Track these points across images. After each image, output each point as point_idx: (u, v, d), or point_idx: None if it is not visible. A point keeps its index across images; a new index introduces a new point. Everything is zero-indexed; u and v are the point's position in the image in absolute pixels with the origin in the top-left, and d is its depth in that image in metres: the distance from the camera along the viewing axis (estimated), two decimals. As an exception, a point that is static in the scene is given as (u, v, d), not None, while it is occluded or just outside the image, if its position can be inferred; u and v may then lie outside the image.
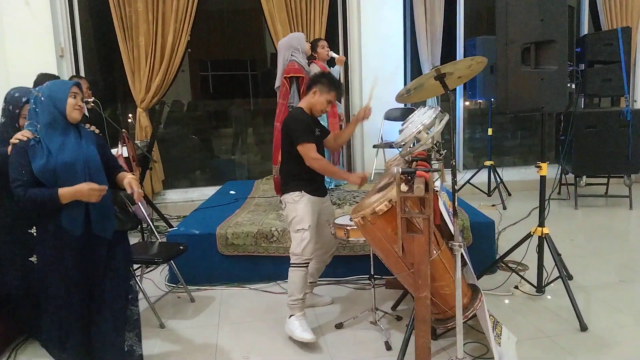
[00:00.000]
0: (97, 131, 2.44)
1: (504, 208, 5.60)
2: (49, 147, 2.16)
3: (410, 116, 2.73)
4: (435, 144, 2.37)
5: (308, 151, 2.78)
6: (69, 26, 5.62)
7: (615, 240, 4.55)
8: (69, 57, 5.63)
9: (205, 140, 8.50)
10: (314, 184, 2.92)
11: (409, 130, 2.35)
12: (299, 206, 2.86)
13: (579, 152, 5.36)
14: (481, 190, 6.16)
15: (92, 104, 3.95)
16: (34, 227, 2.59)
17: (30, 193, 2.11)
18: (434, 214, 1.98)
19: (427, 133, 2.24)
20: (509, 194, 6.18)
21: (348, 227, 2.74)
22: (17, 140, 2.17)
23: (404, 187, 2.04)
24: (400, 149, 2.58)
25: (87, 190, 2.13)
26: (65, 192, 2.13)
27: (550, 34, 2.83)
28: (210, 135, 8.73)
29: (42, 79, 3.84)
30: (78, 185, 2.13)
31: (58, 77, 3.99)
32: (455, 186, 2.13)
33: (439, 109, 2.35)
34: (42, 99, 2.21)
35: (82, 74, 5.71)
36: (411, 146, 2.46)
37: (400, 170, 2.10)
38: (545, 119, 3.12)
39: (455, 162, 2.11)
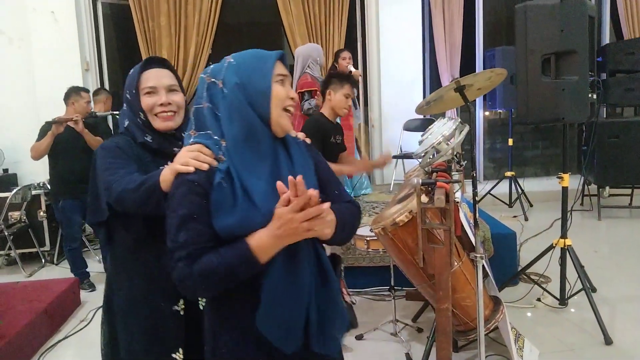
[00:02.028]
0: (308, 140, 1.42)
1: (526, 219, 5.54)
2: (247, 188, 1.14)
3: (429, 127, 2.73)
4: (456, 155, 2.37)
5: None
6: (94, 41, 5.77)
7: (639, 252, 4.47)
8: (94, 71, 5.78)
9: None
10: None
11: (429, 142, 2.35)
12: None
13: (602, 163, 5.29)
14: (502, 201, 6.11)
15: (118, 116, 4.04)
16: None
17: (201, 267, 1.10)
18: (455, 225, 1.98)
19: (447, 144, 2.25)
20: (531, 205, 6.12)
21: (368, 238, 2.75)
22: (191, 170, 1.17)
23: (424, 198, 2.04)
24: (420, 160, 2.58)
25: (294, 217, 1.07)
26: (264, 241, 1.10)
27: (570, 44, 2.82)
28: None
29: (70, 91, 3.94)
30: (276, 214, 1.09)
31: (88, 90, 4.09)
32: (476, 197, 2.13)
33: (459, 120, 2.35)
34: (225, 89, 1.19)
35: (107, 87, 5.84)
36: (431, 157, 2.47)
37: (420, 181, 2.12)
38: (567, 129, 3.10)
39: (475, 173, 2.11)
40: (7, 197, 4.50)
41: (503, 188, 6.12)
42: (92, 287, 4.06)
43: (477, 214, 2.11)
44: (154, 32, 5.72)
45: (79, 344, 3.18)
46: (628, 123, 5.26)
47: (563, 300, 3.23)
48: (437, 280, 2.02)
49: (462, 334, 2.29)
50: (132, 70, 1.63)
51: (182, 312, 1.55)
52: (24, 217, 4.63)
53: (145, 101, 1.56)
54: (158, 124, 1.56)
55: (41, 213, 4.73)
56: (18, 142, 5.13)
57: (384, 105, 6.05)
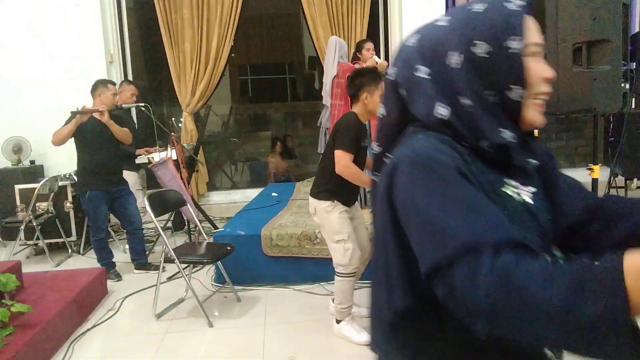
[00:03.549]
0: None
1: (550, 211, 5.46)
2: None
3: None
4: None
5: (342, 158, 2.69)
6: (118, 33, 5.82)
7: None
8: (118, 63, 5.83)
9: (244, 143, 8.65)
10: (347, 193, 2.87)
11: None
12: (332, 217, 2.81)
13: (631, 154, 5.17)
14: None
15: (142, 108, 4.09)
16: None
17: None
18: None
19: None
20: (555, 197, 6.03)
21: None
22: None
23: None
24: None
25: None
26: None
27: (602, 33, 2.75)
28: (249, 138, 8.87)
29: (97, 84, 3.98)
30: None
31: (114, 83, 4.12)
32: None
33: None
34: None
35: (130, 78, 5.89)
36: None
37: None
38: (598, 120, 3.04)
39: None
40: (35, 188, 4.58)
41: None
42: (118, 277, 4.12)
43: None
44: (176, 25, 5.74)
45: (108, 332, 3.24)
46: (658, 114, 5.13)
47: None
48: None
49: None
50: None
51: None
52: (51, 208, 4.71)
53: (535, 68, 0.86)
54: (533, 114, 0.88)
55: (67, 204, 4.81)
56: (44, 134, 5.20)
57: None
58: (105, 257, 4.14)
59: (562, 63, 2.82)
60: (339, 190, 2.81)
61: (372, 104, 2.75)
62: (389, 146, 0.94)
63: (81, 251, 4.88)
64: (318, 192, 2.87)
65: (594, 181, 3.06)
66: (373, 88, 2.74)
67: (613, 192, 5.72)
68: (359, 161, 2.82)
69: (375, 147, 1.00)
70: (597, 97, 2.79)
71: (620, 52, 2.79)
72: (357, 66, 4.68)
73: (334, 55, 4.47)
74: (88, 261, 4.55)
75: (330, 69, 4.48)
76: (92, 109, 3.80)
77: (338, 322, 2.94)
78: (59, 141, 3.83)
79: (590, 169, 3.04)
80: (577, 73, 2.81)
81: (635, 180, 5.71)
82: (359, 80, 2.79)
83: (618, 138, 4.69)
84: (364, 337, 2.77)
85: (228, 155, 8.25)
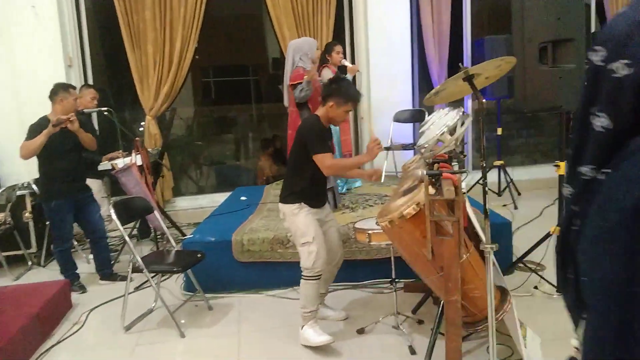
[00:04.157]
0: None
1: (515, 208, 5.56)
2: None
3: (429, 118, 2.71)
4: (458, 145, 2.35)
5: (324, 160, 2.73)
6: (77, 35, 5.62)
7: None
8: (77, 66, 5.63)
9: (209, 147, 8.52)
10: (314, 196, 2.89)
11: (432, 133, 2.33)
12: (298, 219, 2.82)
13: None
14: (492, 191, 6.13)
15: (105, 113, 3.96)
16: None
17: None
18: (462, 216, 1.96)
19: (451, 135, 2.23)
20: (519, 194, 6.15)
21: (370, 231, 2.72)
22: None
23: (431, 190, 2.02)
24: (422, 151, 2.55)
25: None
26: None
27: (567, 32, 2.81)
28: (214, 142, 8.75)
29: (57, 88, 3.82)
30: None
31: (75, 87, 3.95)
32: (486, 187, 2.11)
33: (462, 110, 2.33)
34: None
35: (90, 82, 5.70)
36: (431, 150, 2.44)
37: (426, 173, 2.09)
38: (564, 117, 3.10)
39: (484, 162, 2.08)
40: (-10, 199, 4.37)
41: (490, 177, 6.14)
42: (82, 289, 3.97)
43: (487, 205, 2.09)
44: (138, 26, 5.58)
45: (74, 348, 3.11)
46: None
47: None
48: (446, 272, 2.00)
49: (470, 326, 2.27)
50: None
51: None
52: (9, 219, 4.49)
53: None
54: None
55: (27, 214, 4.60)
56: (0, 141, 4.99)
57: (373, 96, 6.02)
58: (70, 269, 3.98)
59: (529, 62, 2.87)
60: (304, 193, 2.84)
61: (335, 114, 2.81)
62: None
63: (42, 263, 4.68)
64: (285, 197, 2.90)
65: (561, 177, 3.12)
66: (342, 102, 2.78)
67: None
68: None
69: (586, 171, 0.82)
70: (563, 95, 2.85)
71: (584, 51, 2.86)
72: (325, 71, 4.65)
73: (291, 61, 4.39)
74: (50, 273, 4.36)
75: (288, 71, 4.41)
76: (65, 117, 3.62)
77: (302, 327, 2.87)
78: (29, 155, 3.64)
79: (557, 166, 3.11)
80: (544, 71, 2.87)
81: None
82: (336, 86, 2.82)
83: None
84: (325, 337, 2.74)
85: (193, 159, 8.11)
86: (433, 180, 2.14)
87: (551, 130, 8.02)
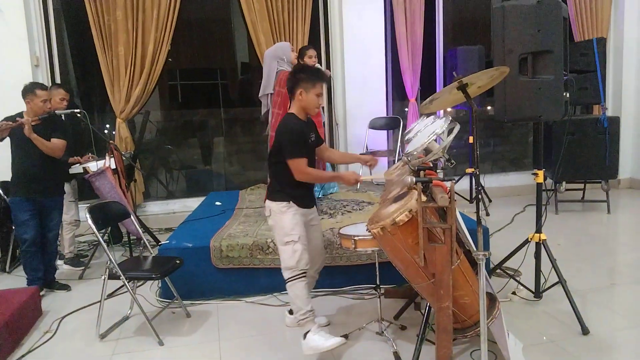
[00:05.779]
0: None
1: (487, 214, 5.69)
2: None
3: (413, 125, 2.73)
4: (445, 153, 2.38)
5: (298, 166, 2.72)
6: (44, 35, 5.44)
7: (599, 244, 4.68)
8: (45, 66, 5.45)
9: (178, 151, 8.37)
10: (302, 195, 2.87)
11: (420, 140, 2.35)
12: (286, 217, 2.79)
13: (558, 159, 5.49)
14: (463, 197, 6.24)
15: (78, 114, 3.84)
16: None
17: None
18: (454, 223, 1.98)
19: (439, 143, 2.25)
20: (490, 200, 6.29)
21: (356, 238, 2.72)
22: None
23: (422, 197, 2.03)
24: (408, 158, 2.58)
25: None
26: None
27: (546, 45, 2.89)
28: (183, 146, 8.61)
29: (25, 88, 3.68)
30: None
31: (46, 87, 3.81)
32: (480, 194, 2.15)
33: (450, 118, 2.36)
34: None
35: (58, 82, 5.52)
36: (418, 157, 2.46)
37: (415, 180, 2.11)
38: (542, 127, 3.19)
39: (477, 170, 2.12)
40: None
41: (461, 185, 6.25)
42: (49, 291, 3.88)
43: (480, 211, 2.12)
44: (109, 27, 5.45)
45: (45, 358, 2.98)
46: (582, 121, 5.49)
47: (538, 293, 3.32)
48: (438, 278, 2.02)
49: (460, 332, 2.30)
50: None
51: None
52: (-28, 223, 4.31)
53: None
54: None
55: (-10, 218, 4.41)
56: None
57: (349, 103, 6.05)
58: (30, 273, 3.80)
59: (509, 73, 2.93)
60: (294, 192, 2.82)
61: (306, 102, 2.77)
62: None
63: (7, 269, 4.49)
64: (273, 193, 2.87)
65: (539, 185, 3.20)
66: (309, 86, 2.75)
67: (543, 195, 6.05)
68: (310, 160, 2.84)
69: None
70: (542, 106, 2.92)
71: (562, 62, 2.95)
72: None
73: (267, 70, 4.38)
74: (17, 280, 4.19)
75: (265, 79, 4.39)
76: (19, 122, 3.49)
77: (305, 336, 2.76)
78: None
79: (535, 174, 3.18)
80: (523, 82, 2.94)
81: (564, 183, 6.05)
82: (298, 75, 2.80)
83: (546, 144, 4.96)
84: (336, 340, 2.67)
85: (162, 163, 7.95)
86: (422, 187, 2.15)
87: (516, 139, 8.26)
